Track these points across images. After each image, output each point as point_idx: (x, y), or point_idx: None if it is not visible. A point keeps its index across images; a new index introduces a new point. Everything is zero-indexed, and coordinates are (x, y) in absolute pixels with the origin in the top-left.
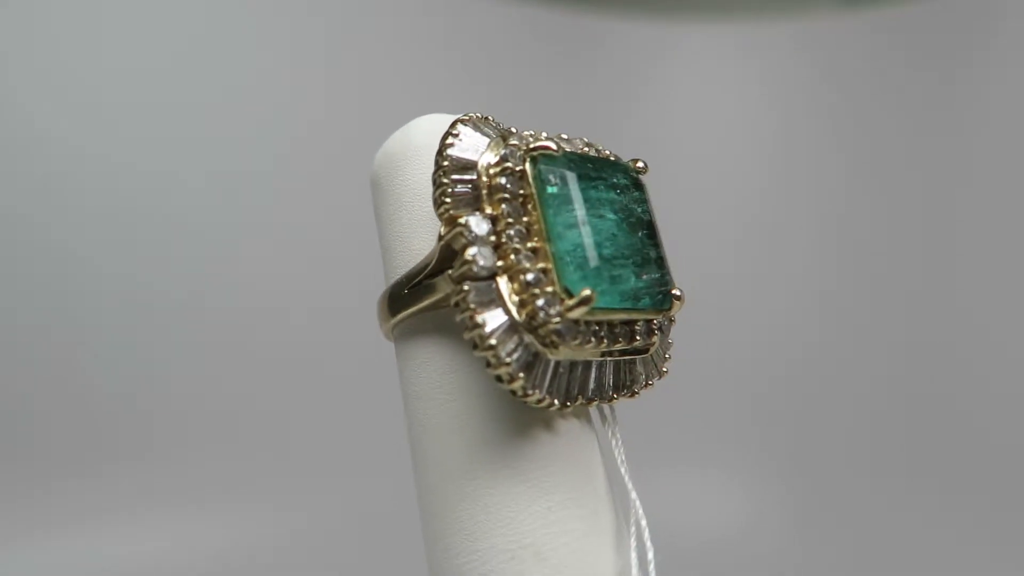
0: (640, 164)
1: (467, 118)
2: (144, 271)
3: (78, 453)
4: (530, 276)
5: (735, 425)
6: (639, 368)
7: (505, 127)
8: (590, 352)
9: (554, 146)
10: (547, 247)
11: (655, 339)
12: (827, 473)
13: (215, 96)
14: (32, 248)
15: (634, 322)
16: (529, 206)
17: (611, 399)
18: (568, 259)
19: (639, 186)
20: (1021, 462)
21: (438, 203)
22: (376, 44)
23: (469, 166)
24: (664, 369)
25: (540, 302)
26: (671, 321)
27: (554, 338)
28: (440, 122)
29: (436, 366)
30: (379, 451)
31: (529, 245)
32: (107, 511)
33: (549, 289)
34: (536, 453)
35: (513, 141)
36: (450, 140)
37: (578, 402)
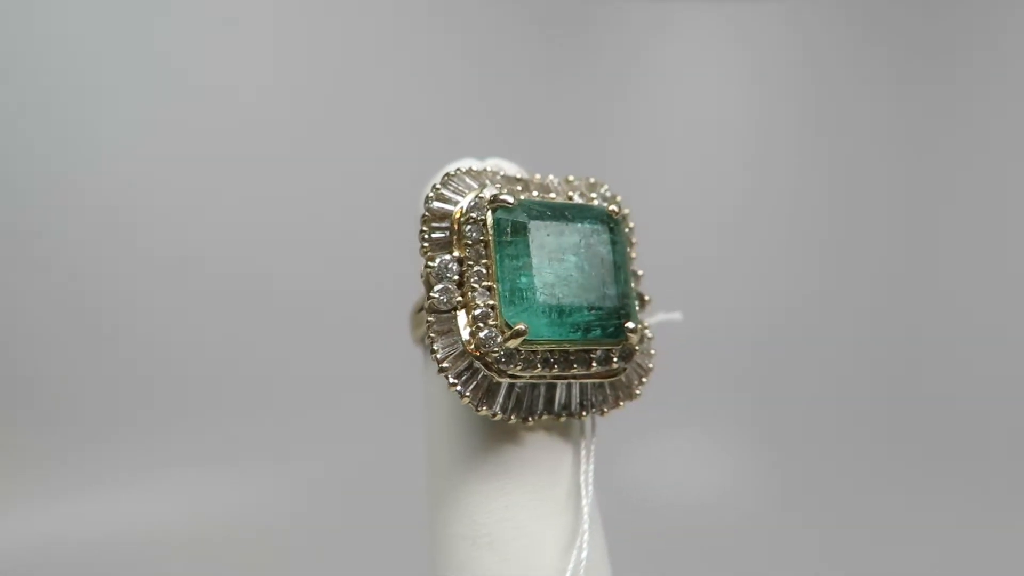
0: (614, 208)
1: (454, 173)
2: (165, 242)
3: (90, 418)
4: (478, 311)
5: (716, 389)
6: (608, 390)
7: (506, 174)
8: (537, 376)
9: (511, 199)
10: (496, 286)
11: (616, 366)
12: (807, 436)
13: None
14: (50, 209)
15: (590, 351)
16: (488, 250)
17: (580, 415)
18: (515, 297)
19: (611, 228)
20: (995, 423)
21: (420, 247)
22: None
23: (447, 215)
24: (637, 392)
25: (483, 334)
26: (635, 350)
27: (497, 365)
28: (471, 166)
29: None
30: (393, 419)
31: (485, 284)
32: (118, 475)
33: (493, 323)
34: (500, 459)
35: (483, 193)
36: (432, 194)
37: (542, 417)
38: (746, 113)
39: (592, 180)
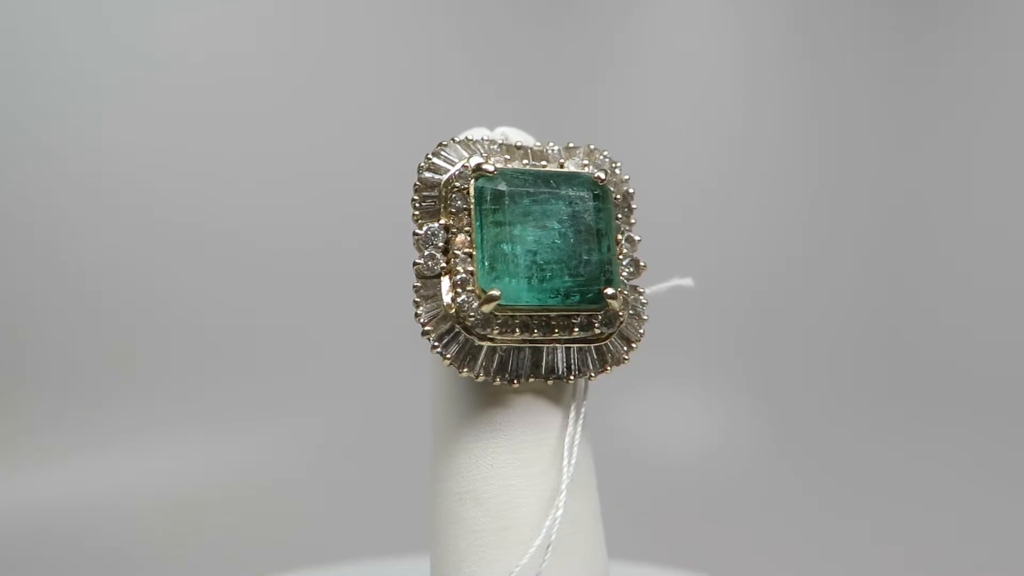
0: (600, 175)
1: (447, 143)
2: (163, 207)
3: (88, 380)
4: (458, 277)
5: (714, 344)
6: (595, 355)
7: (505, 143)
8: (518, 340)
9: (491, 168)
10: (475, 253)
11: (599, 331)
12: (801, 389)
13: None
14: (56, 171)
15: (571, 316)
16: (471, 217)
17: (567, 379)
18: (496, 263)
19: (598, 196)
20: (985, 374)
21: (412, 214)
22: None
23: (436, 184)
24: (625, 358)
25: (461, 298)
26: (618, 315)
27: (475, 329)
28: (480, 135)
29: None
30: (394, 379)
31: (466, 251)
32: (128, 434)
33: (470, 288)
34: (490, 419)
35: (468, 162)
36: (423, 163)
37: (530, 380)
38: (736, 73)
39: (591, 147)
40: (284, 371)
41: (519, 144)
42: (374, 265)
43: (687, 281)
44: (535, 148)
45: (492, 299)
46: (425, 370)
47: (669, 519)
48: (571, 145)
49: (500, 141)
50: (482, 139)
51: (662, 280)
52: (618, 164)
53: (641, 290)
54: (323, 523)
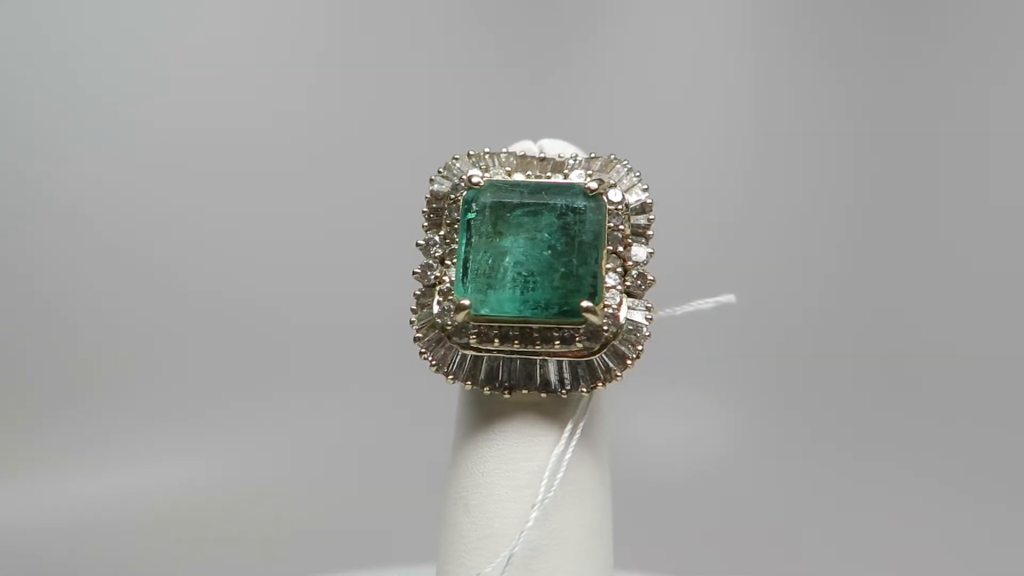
0: (592, 185)
1: (457, 157)
2: (170, 201)
3: (100, 382)
4: (444, 286)
5: (716, 348)
6: (586, 369)
7: (525, 154)
8: (499, 350)
9: (479, 181)
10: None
11: (580, 345)
12: (814, 399)
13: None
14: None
15: (552, 328)
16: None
17: (561, 393)
18: (478, 273)
19: (591, 207)
20: (1000, 389)
21: (422, 225)
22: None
23: (444, 196)
24: (619, 375)
25: (444, 307)
26: (602, 329)
27: (453, 337)
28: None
29: None
30: (403, 381)
31: (454, 260)
32: (128, 439)
33: (451, 297)
34: (488, 429)
35: (465, 174)
36: (434, 176)
37: (524, 391)
38: (741, 77)
39: (612, 156)
40: (287, 375)
41: (543, 156)
42: (379, 269)
43: (729, 298)
44: (557, 160)
45: (462, 308)
46: (432, 378)
47: (671, 526)
48: (593, 155)
49: (520, 153)
50: (501, 151)
51: (673, 292)
52: (639, 174)
53: (649, 305)
54: (330, 530)
